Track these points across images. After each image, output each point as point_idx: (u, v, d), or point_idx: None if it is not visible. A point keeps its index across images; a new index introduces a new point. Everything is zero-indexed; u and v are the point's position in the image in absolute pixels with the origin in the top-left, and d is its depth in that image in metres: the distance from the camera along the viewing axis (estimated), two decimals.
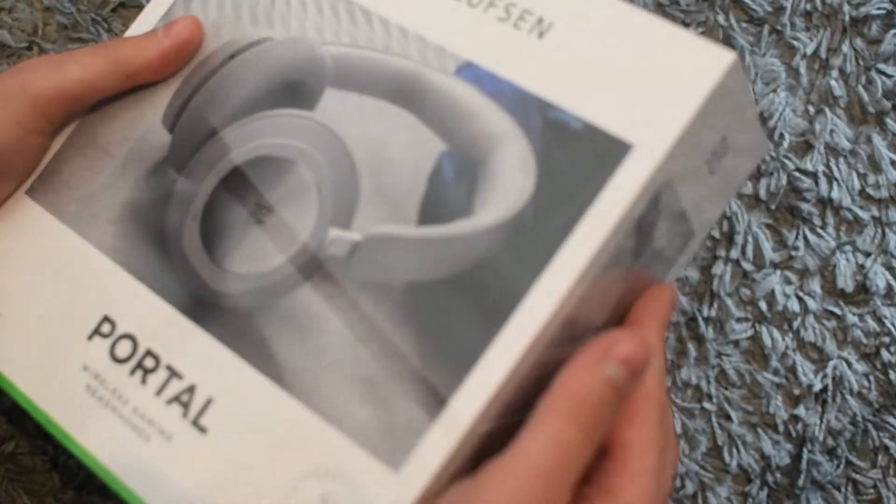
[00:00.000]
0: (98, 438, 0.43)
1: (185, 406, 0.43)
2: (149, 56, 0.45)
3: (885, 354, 0.56)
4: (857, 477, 0.57)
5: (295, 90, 0.46)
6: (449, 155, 0.43)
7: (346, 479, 0.40)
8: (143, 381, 0.43)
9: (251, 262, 0.44)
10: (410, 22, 0.45)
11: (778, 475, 0.56)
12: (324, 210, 0.43)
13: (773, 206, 0.56)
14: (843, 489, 0.57)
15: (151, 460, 0.42)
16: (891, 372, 0.56)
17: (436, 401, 0.39)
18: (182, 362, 0.43)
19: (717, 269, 0.56)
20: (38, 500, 0.56)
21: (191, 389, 0.43)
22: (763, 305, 0.56)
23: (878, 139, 0.56)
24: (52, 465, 0.56)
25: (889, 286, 0.57)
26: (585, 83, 0.41)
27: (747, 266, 0.56)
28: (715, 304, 0.56)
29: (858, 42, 0.57)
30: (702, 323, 0.56)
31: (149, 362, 0.43)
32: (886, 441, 0.56)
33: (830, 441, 0.57)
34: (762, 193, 0.56)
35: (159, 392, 0.43)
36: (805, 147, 0.57)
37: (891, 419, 0.56)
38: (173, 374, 0.43)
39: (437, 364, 0.40)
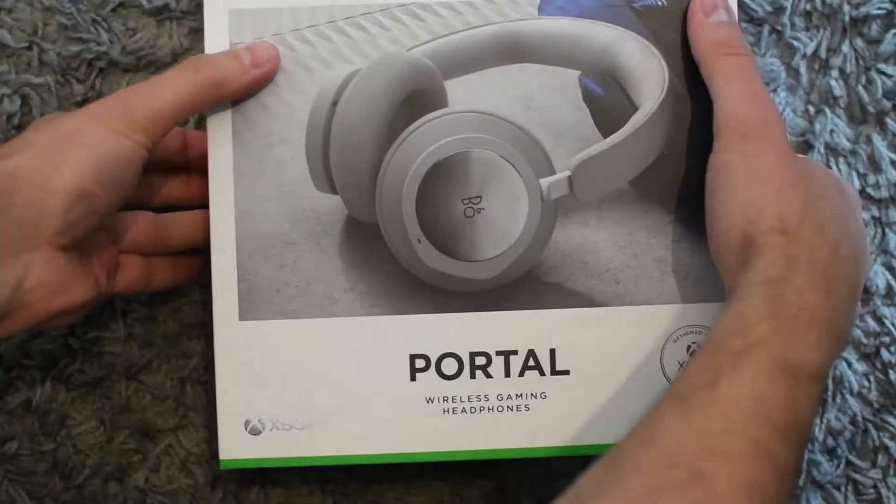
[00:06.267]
0: (493, 437, 0.51)
1: (537, 367, 0.51)
2: (237, 83, 0.49)
3: (885, 354, 0.56)
4: (857, 477, 0.57)
5: (418, 100, 0.50)
6: (585, 76, 0.51)
7: (694, 328, 0.51)
8: (487, 374, 0.51)
9: (489, 247, 0.50)
10: None
11: None
12: (526, 177, 0.49)
13: None
14: (843, 489, 0.57)
15: (549, 419, 0.51)
16: (891, 372, 0.56)
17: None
18: (504, 341, 0.51)
19: None
20: (38, 501, 0.56)
21: (530, 354, 0.51)
22: None
23: (878, 139, 0.56)
24: (52, 465, 0.56)
25: (889, 286, 0.57)
26: None
27: None
28: None
29: (858, 42, 0.57)
30: None
31: (479, 360, 0.51)
32: (886, 441, 0.56)
33: (830, 441, 0.57)
34: None
35: (507, 374, 0.51)
36: (805, 147, 0.57)
37: (891, 419, 0.57)
38: (506, 353, 0.51)
39: (694, 220, 0.50)
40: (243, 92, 0.50)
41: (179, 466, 0.56)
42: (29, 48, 0.56)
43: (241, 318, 0.50)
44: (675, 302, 0.51)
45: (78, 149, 0.45)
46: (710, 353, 0.40)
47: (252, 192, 0.50)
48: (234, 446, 0.50)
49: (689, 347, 0.51)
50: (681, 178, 0.51)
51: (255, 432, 0.50)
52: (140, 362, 0.56)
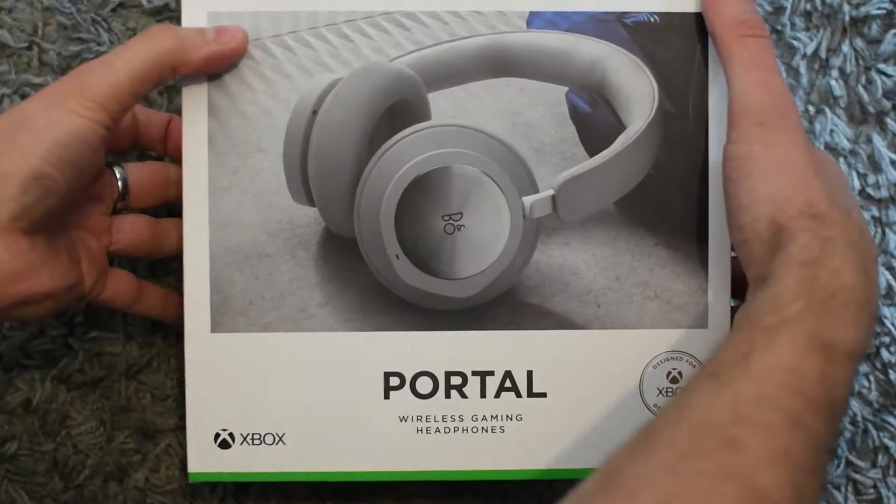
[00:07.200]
0: (467, 458, 0.50)
1: (514, 388, 0.50)
2: (195, 55, 0.48)
3: (885, 354, 0.56)
4: (857, 477, 0.57)
5: (400, 112, 0.49)
6: (573, 92, 0.50)
7: (675, 354, 0.50)
8: (462, 395, 0.50)
9: (468, 265, 0.49)
10: (458, 4, 0.49)
11: None
12: (509, 194, 0.49)
13: None
14: (843, 489, 0.57)
15: (524, 441, 0.50)
16: (891, 372, 0.56)
17: (701, 270, 0.50)
18: (481, 362, 0.50)
19: None
20: (38, 501, 0.56)
21: (507, 375, 0.50)
22: None
23: (878, 139, 0.56)
24: (52, 465, 0.56)
25: (889, 286, 0.57)
26: None
27: None
28: None
29: (858, 42, 0.57)
30: None
31: (455, 380, 0.50)
32: (886, 441, 0.56)
33: None
34: None
35: (483, 394, 0.50)
36: None
37: (891, 419, 0.57)
38: (482, 374, 0.50)
39: (679, 244, 0.50)
40: (202, 66, 0.48)
41: (179, 466, 0.56)
42: (29, 48, 0.56)
43: (212, 331, 0.49)
44: (657, 327, 0.50)
45: (30, 132, 0.44)
46: (743, 330, 0.40)
47: (227, 202, 0.49)
48: (203, 459, 0.50)
49: (669, 374, 0.50)
50: (667, 200, 0.50)
51: (224, 446, 0.50)
52: (140, 362, 0.56)
